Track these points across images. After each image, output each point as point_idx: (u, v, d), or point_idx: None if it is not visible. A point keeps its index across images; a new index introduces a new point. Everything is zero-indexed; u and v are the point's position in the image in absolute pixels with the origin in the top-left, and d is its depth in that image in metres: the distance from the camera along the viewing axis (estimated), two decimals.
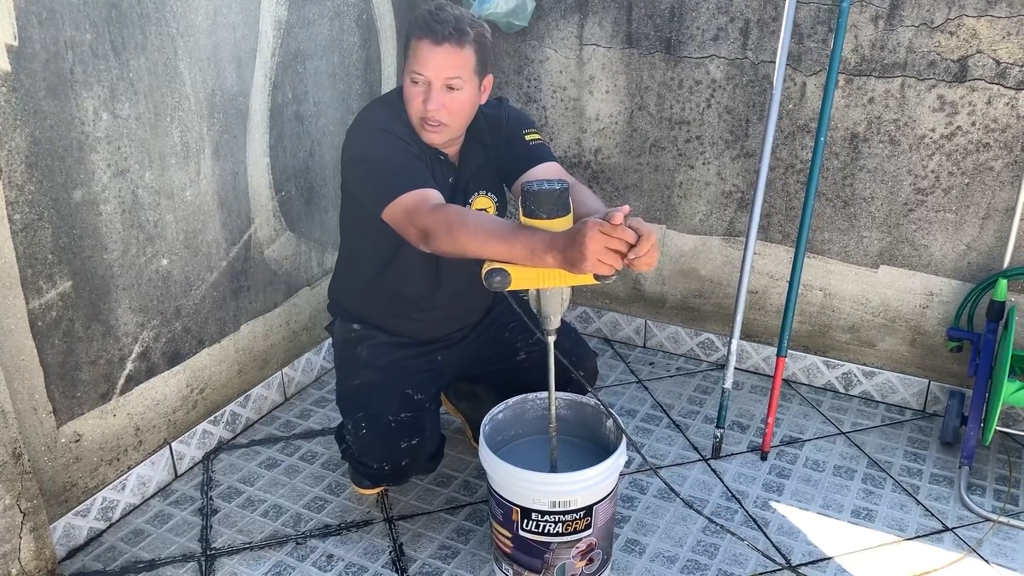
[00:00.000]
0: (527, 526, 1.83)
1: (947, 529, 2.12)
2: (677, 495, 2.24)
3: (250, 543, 2.10)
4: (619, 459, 1.84)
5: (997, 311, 2.28)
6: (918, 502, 2.21)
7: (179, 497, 2.26)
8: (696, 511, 2.18)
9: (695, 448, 2.44)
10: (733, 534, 2.10)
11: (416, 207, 1.73)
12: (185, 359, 2.30)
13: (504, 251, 1.57)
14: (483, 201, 2.05)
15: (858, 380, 2.65)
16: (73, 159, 1.89)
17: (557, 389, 1.85)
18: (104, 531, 2.13)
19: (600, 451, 2.01)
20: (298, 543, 2.10)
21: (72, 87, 1.85)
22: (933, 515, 2.16)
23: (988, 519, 2.14)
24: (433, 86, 1.83)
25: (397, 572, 2.01)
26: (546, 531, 1.83)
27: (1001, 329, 2.28)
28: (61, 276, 1.91)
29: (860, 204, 2.47)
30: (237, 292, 2.42)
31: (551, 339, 1.78)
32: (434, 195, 1.76)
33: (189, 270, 2.25)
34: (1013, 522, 2.12)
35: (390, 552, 2.07)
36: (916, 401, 2.59)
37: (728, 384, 2.37)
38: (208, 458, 2.41)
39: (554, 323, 1.74)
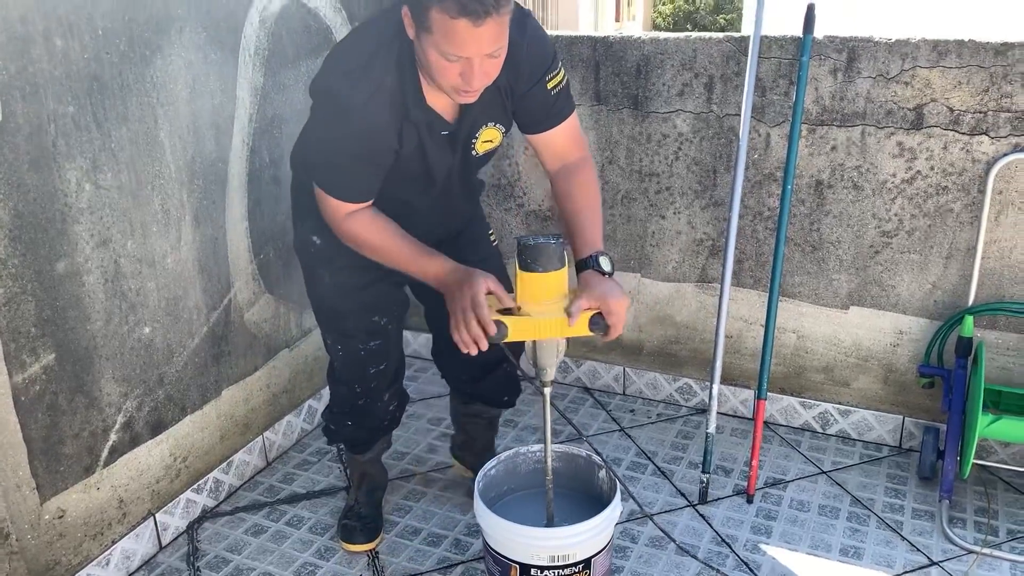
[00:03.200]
0: None
1: (933, 563, 2.16)
2: (672, 539, 2.25)
3: None
4: (615, 510, 1.86)
5: (965, 347, 2.36)
6: (903, 537, 2.25)
7: (165, 570, 2.21)
8: (691, 555, 2.19)
9: (682, 494, 2.46)
10: None
11: (335, 212, 1.79)
12: (168, 427, 2.27)
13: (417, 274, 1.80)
14: (490, 133, 1.88)
15: (835, 419, 2.71)
16: (56, 231, 1.88)
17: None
18: None
19: (593, 501, 2.02)
20: None
21: (55, 159, 1.86)
22: (919, 550, 2.21)
23: (972, 551, 2.19)
24: (474, 62, 1.57)
25: None
26: None
27: (971, 364, 2.35)
28: (44, 349, 1.89)
29: (828, 248, 2.55)
30: (218, 357, 2.41)
31: (547, 391, 1.81)
32: (359, 211, 1.79)
33: (171, 337, 2.23)
34: (996, 553, 2.17)
35: None
36: (892, 438, 2.65)
37: (712, 428, 2.40)
38: (192, 528, 2.36)
39: (550, 375, 1.78)
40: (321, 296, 2.07)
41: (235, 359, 2.48)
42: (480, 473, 1.96)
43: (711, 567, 2.17)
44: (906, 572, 2.13)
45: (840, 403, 2.69)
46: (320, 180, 1.79)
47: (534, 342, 1.72)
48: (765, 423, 2.80)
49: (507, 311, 1.66)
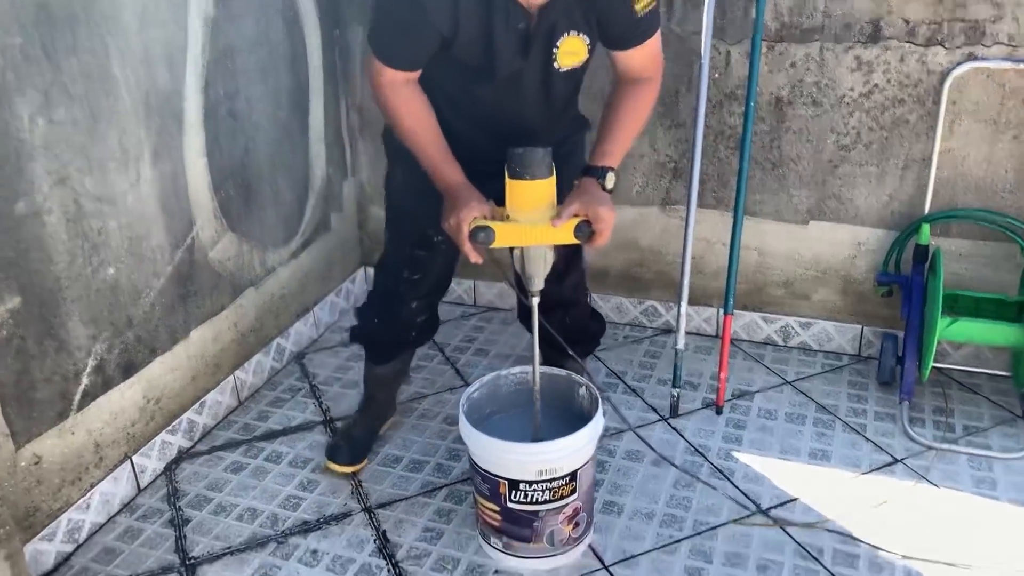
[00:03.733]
0: (515, 497, 1.87)
1: (897, 461, 2.27)
2: (652, 448, 2.31)
3: (230, 547, 2.07)
4: (598, 424, 1.90)
5: (922, 254, 2.44)
6: (867, 439, 2.36)
7: (146, 511, 2.20)
8: (668, 462, 2.26)
9: (654, 409, 2.53)
10: (706, 483, 2.19)
11: (376, 75, 1.80)
12: (139, 369, 2.23)
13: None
14: (573, 43, 1.79)
15: (796, 332, 2.79)
16: (13, 169, 1.81)
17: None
18: (72, 554, 2.06)
19: (575, 418, 2.06)
20: (279, 542, 2.08)
21: (5, 93, 1.77)
22: (882, 449, 2.31)
23: (931, 447, 2.30)
24: None
25: (385, 559, 2.01)
26: (534, 500, 1.87)
27: (927, 271, 2.44)
28: (9, 292, 1.83)
29: (788, 165, 2.60)
30: (185, 297, 2.37)
31: (535, 301, 1.83)
32: (400, 84, 1.80)
33: (136, 277, 2.18)
34: (954, 448, 2.28)
35: (374, 540, 2.07)
36: (851, 346, 2.75)
37: (680, 345, 2.46)
38: (170, 468, 2.35)
39: (537, 284, 1.81)
40: (391, 190, 2.15)
41: (201, 299, 2.44)
42: (463, 396, 1.98)
43: (687, 474, 2.24)
44: (872, 470, 2.24)
45: (800, 316, 2.77)
46: (369, 35, 1.82)
47: (521, 251, 1.74)
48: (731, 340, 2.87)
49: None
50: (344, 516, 2.16)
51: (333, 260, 3.09)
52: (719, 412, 2.49)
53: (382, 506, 2.19)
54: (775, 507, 2.12)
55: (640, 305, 2.95)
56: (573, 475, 1.88)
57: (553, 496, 1.87)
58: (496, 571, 1.97)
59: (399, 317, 2.20)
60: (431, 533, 2.09)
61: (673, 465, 2.27)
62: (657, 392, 2.61)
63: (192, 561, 2.03)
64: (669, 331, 2.94)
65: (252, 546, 2.07)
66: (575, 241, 1.69)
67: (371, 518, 2.15)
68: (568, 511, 1.91)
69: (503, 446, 1.83)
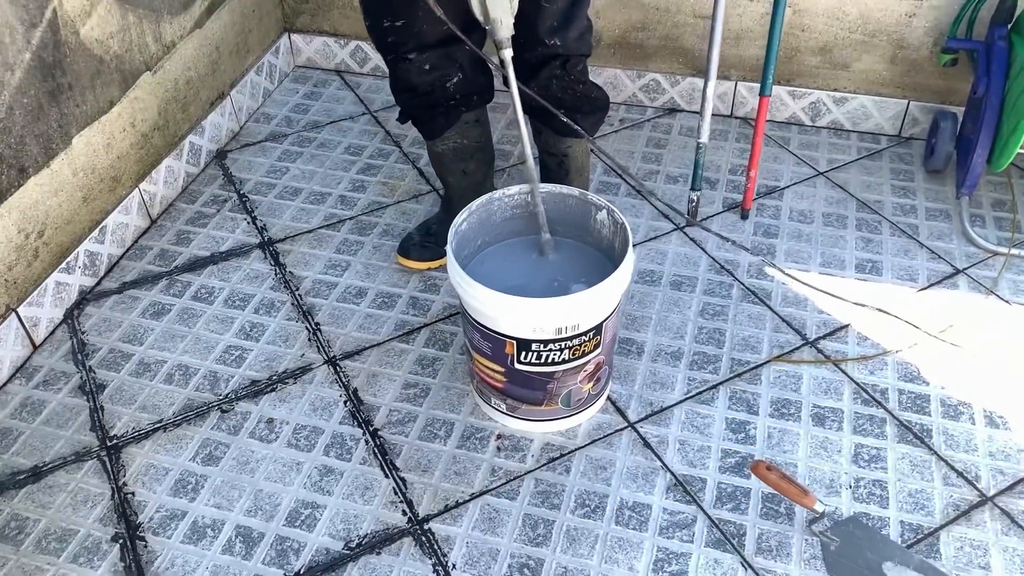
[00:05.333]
0: (526, 359, 1.47)
1: (958, 271, 1.91)
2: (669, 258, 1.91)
3: (160, 421, 1.65)
4: (629, 264, 1.46)
5: (1007, 13, 1.94)
6: (921, 244, 1.98)
7: (47, 375, 1.74)
8: (688, 289, 1.87)
9: (665, 216, 2.09)
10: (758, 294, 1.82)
11: None
12: (7, 197, 1.68)
13: None
14: None
15: (827, 109, 2.32)
16: None
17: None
18: None
19: (591, 248, 1.62)
20: (223, 410, 1.67)
21: None
22: (940, 257, 1.95)
23: (997, 253, 1.95)
24: None
25: (360, 426, 1.63)
26: (550, 360, 1.47)
27: (1011, 33, 1.95)
28: None
29: None
30: (55, 94, 1.76)
31: (506, 53, 1.46)
32: None
33: None
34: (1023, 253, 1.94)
35: (344, 403, 1.67)
36: (891, 126, 2.30)
37: (704, 138, 1.97)
38: (72, 316, 1.86)
39: (505, 28, 1.44)
40: None
41: (80, 94, 1.83)
42: (451, 230, 1.51)
43: (714, 300, 1.86)
44: (931, 284, 1.88)
45: (836, 90, 2.29)
46: None
47: None
48: (745, 120, 2.39)
49: None
50: (302, 372, 1.74)
51: (248, 26, 2.43)
52: (745, 216, 2.07)
53: (349, 356, 1.77)
54: (823, 337, 1.77)
55: (639, 79, 2.41)
56: (598, 328, 1.47)
57: (573, 355, 1.47)
58: (499, 435, 1.61)
59: (410, 76, 1.73)
60: (414, 390, 1.70)
61: (694, 292, 1.88)
62: (668, 193, 2.16)
63: (114, 442, 1.62)
64: (674, 111, 2.43)
65: (189, 418, 1.65)
66: None
67: (337, 373, 1.73)
68: (590, 368, 1.52)
69: (512, 301, 1.39)
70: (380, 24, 1.67)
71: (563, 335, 1.43)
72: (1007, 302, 1.83)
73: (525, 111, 1.62)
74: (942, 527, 1.45)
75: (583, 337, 1.45)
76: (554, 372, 1.49)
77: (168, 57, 2.10)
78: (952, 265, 1.93)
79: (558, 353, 1.46)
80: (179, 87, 2.15)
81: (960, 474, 1.52)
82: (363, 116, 2.47)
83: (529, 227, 1.63)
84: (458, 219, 1.53)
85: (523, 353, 1.46)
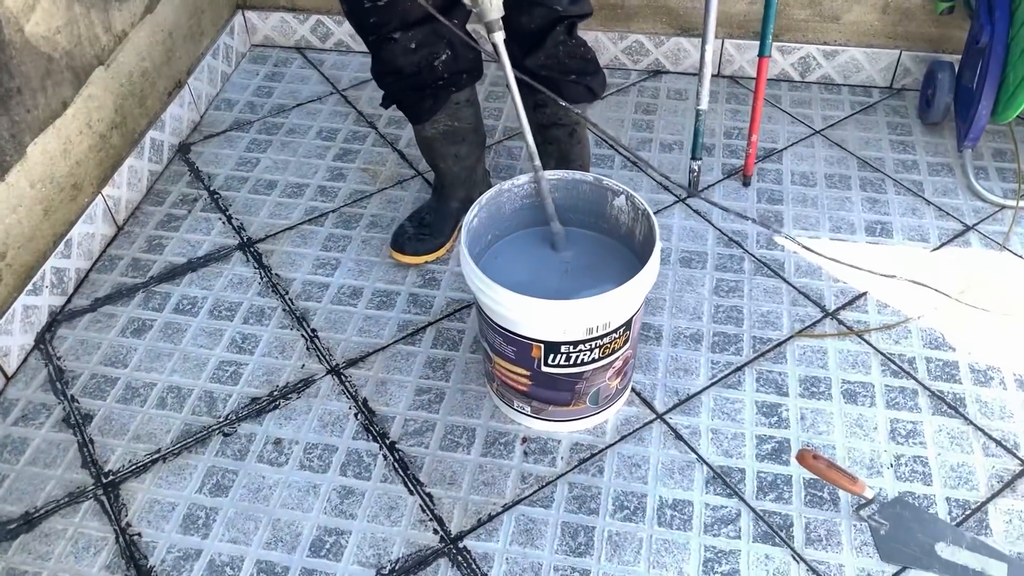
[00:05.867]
0: (554, 361, 1.38)
1: (968, 228, 1.87)
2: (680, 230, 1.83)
3: (159, 451, 1.53)
4: (657, 255, 1.37)
5: None
6: (928, 201, 1.94)
7: (26, 409, 1.61)
8: (698, 265, 1.80)
9: (665, 188, 2.01)
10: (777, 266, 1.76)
11: None
12: None
13: None
14: None
15: (817, 64, 2.24)
16: None
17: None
18: None
19: (609, 236, 1.53)
20: (226, 433, 1.55)
21: None
22: (948, 214, 1.91)
23: (1004, 206, 1.91)
24: None
25: (376, 440, 1.53)
26: (579, 361, 1.39)
27: None
28: None
29: None
30: (4, 100, 1.59)
31: (498, 37, 1.36)
32: None
33: None
34: None
35: (355, 415, 1.57)
36: (883, 77, 2.24)
37: (704, 104, 1.89)
38: (44, 341, 1.72)
39: (494, 10, 1.33)
40: None
41: (31, 97, 1.66)
42: (464, 226, 1.40)
43: (727, 276, 1.79)
44: (943, 243, 1.84)
45: (826, 43, 2.21)
46: None
47: None
48: (735, 79, 2.31)
49: None
50: (305, 384, 1.63)
51: (200, 6, 2.25)
52: (747, 183, 2.00)
53: (352, 363, 1.66)
54: (843, 308, 1.72)
55: (622, 41, 2.30)
56: (628, 323, 1.39)
57: (603, 354, 1.39)
58: (524, 439, 1.53)
59: (395, 57, 1.59)
60: (427, 396, 1.60)
61: (705, 268, 1.81)
62: (665, 163, 2.07)
63: (111, 478, 1.50)
64: (659, 72, 2.33)
65: (189, 444, 1.54)
66: None
67: (342, 383, 1.63)
68: (618, 364, 1.45)
69: (539, 305, 1.30)
70: (360, 5, 1.53)
71: (594, 335, 1.35)
72: (1021, 257, 1.80)
73: (534, 88, 1.52)
74: (989, 500, 1.42)
75: (613, 335, 1.37)
76: (583, 372, 1.41)
77: (120, 48, 1.92)
78: (961, 222, 1.89)
79: (588, 353, 1.38)
80: (134, 80, 1.98)
81: (999, 443, 1.49)
82: (331, 96, 2.32)
83: (540, 217, 1.53)
84: (469, 216, 1.42)
85: (551, 356, 1.37)
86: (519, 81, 1.44)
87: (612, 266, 1.49)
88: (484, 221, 1.48)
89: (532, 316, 1.31)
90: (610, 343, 1.38)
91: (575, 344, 1.36)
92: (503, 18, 1.40)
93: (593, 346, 1.37)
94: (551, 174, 1.49)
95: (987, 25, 1.87)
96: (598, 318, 1.32)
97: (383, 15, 1.54)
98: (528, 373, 1.42)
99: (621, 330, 1.38)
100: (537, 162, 1.44)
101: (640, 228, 1.45)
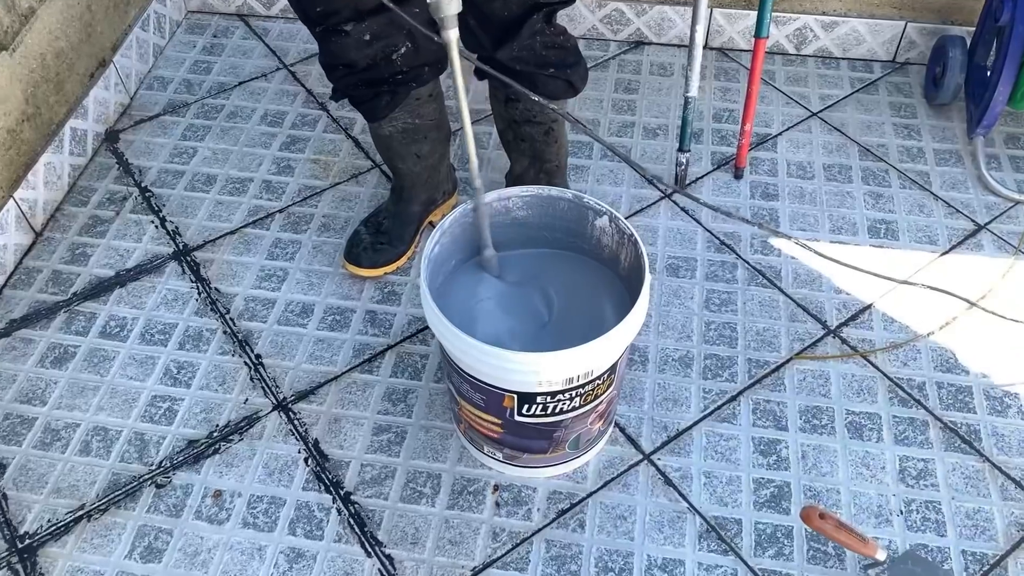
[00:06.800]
0: (529, 411, 1.21)
1: (981, 227, 1.71)
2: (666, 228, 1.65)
3: (82, 507, 1.35)
4: (646, 296, 1.19)
5: None
6: (936, 196, 1.77)
7: None
8: (686, 274, 1.62)
9: (650, 182, 1.82)
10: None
11: None
12: None
13: None
14: None
15: (814, 35, 2.04)
16: None
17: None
18: None
19: (588, 260, 1.35)
20: (159, 484, 1.38)
21: None
22: (958, 211, 1.74)
23: (1020, 202, 1.75)
24: None
25: (330, 492, 1.36)
26: (558, 411, 1.22)
27: None
28: None
29: None
30: None
31: (453, 35, 1.09)
32: None
33: None
34: None
35: (306, 461, 1.40)
36: (885, 51, 2.04)
37: (694, 90, 1.69)
38: None
39: (452, 5, 1.05)
40: None
41: None
42: (424, 259, 1.21)
43: (718, 286, 1.62)
44: (953, 246, 1.67)
45: (825, 13, 2.01)
46: None
47: None
48: (723, 52, 2.10)
49: None
50: (248, 423, 1.45)
51: None
52: (739, 176, 1.81)
53: (302, 397, 1.48)
54: (846, 323, 1.56)
55: (600, 10, 2.08)
56: (613, 367, 1.22)
57: (585, 401, 1.22)
58: (496, 487, 1.37)
59: (347, 51, 1.37)
60: (387, 436, 1.43)
61: (694, 278, 1.63)
62: (648, 151, 1.88)
63: (27, 542, 1.32)
64: (641, 43, 2.12)
65: (117, 498, 1.36)
66: None
67: (291, 421, 1.45)
68: (601, 408, 1.28)
69: (510, 359, 1.12)
70: None
71: (574, 384, 1.18)
72: None
73: (504, 78, 1.31)
74: (1008, 553, 1.28)
75: (596, 381, 1.20)
76: (562, 420, 1.24)
77: (28, 29, 1.68)
78: (972, 220, 1.72)
79: (568, 402, 1.21)
80: (47, 63, 1.74)
81: (1018, 484, 1.35)
82: (277, 72, 2.08)
83: (512, 237, 1.35)
84: (430, 243, 1.23)
85: (526, 406, 1.20)
86: (487, 74, 1.23)
87: (596, 292, 1.31)
88: (447, 247, 1.28)
89: (504, 369, 1.14)
90: (593, 390, 1.21)
91: (553, 394, 1.18)
92: (472, 4, 1.19)
93: (574, 395, 1.20)
94: (524, 190, 1.30)
95: (1009, 1, 1.67)
96: (580, 368, 1.15)
97: (331, 3, 1.31)
98: (499, 421, 1.25)
99: (605, 375, 1.21)
100: (479, 183, 1.23)
101: (626, 254, 1.27)
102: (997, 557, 1.28)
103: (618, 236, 1.27)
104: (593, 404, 1.25)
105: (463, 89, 1.16)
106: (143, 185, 1.83)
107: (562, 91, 1.49)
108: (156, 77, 2.07)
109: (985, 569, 1.27)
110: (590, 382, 1.19)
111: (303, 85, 2.04)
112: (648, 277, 1.19)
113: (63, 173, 1.80)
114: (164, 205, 1.79)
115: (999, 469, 1.37)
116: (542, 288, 1.32)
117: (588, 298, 1.31)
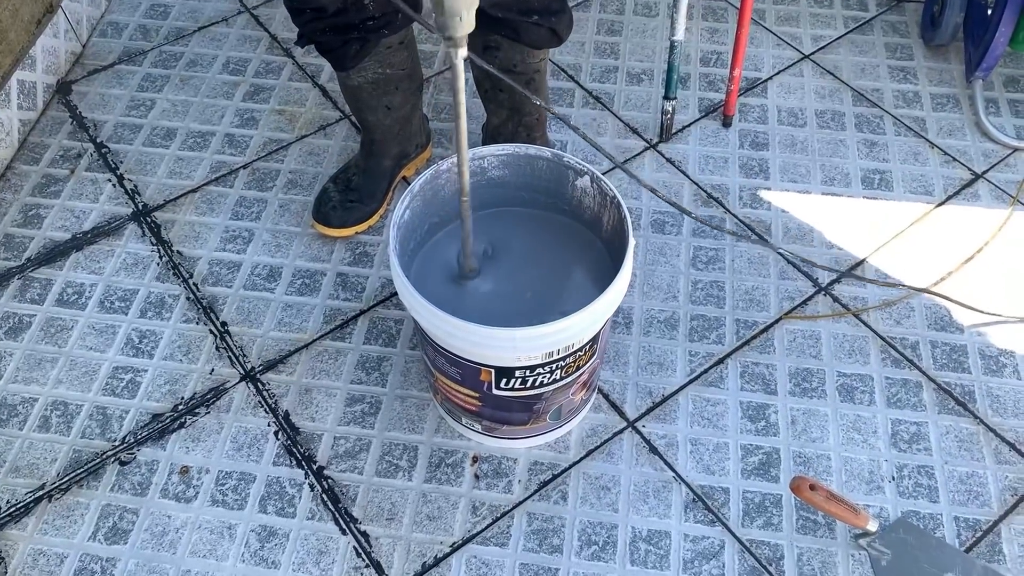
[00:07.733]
0: (507, 384, 1.15)
1: (978, 176, 1.64)
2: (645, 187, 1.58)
3: (43, 486, 1.29)
4: (630, 261, 1.12)
5: None
6: (931, 144, 1.69)
7: None
8: (669, 231, 1.55)
9: (634, 131, 1.73)
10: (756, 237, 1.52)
11: None
12: None
13: None
14: None
15: None
16: None
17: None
18: None
19: (568, 220, 1.28)
20: (123, 461, 1.32)
21: None
22: (954, 159, 1.67)
23: (1017, 148, 1.68)
24: None
25: (302, 467, 1.31)
26: (538, 384, 1.16)
27: None
28: None
29: None
30: None
31: (460, 55, 0.93)
32: None
33: None
34: None
35: (276, 434, 1.34)
36: None
37: (679, 34, 1.59)
38: None
39: (463, 25, 0.88)
40: None
41: None
42: (391, 226, 1.13)
43: (705, 243, 1.55)
44: (949, 197, 1.61)
45: None
46: None
47: None
48: None
49: None
50: (215, 395, 1.38)
51: None
52: (728, 124, 1.73)
53: (271, 366, 1.41)
54: (837, 280, 1.50)
55: None
56: (595, 338, 1.15)
57: (566, 373, 1.16)
58: (475, 458, 1.32)
59: None
60: (361, 407, 1.37)
61: (680, 236, 1.56)
62: (632, 98, 1.79)
63: None
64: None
65: (79, 476, 1.30)
66: None
67: (259, 392, 1.39)
68: (584, 377, 1.22)
69: (486, 334, 1.05)
70: None
71: (554, 358, 1.12)
72: None
73: (486, 29, 1.21)
74: (1001, 519, 1.25)
75: (578, 352, 1.14)
76: (543, 393, 1.19)
77: None
78: (969, 168, 1.65)
79: (548, 375, 1.15)
80: None
81: (1012, 446, 1.32)
82: (239, 16, 1.96)
83: (489, 196, 1.27)
84: (399, 209, 1.15)
85: (504, 380, 1.14)
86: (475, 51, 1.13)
87: (576, 257, 1.24)
88: (418, 212, 1.21)
89: (480, 345, 1.07)
90: (574, 361, 1.15)
91: (532, 368, 1.12)
92: None
93: (555, 367, 1.14)
94: (499, 148, 1.21)
95: None
96: (560, 342, 1.09)
97: None
98: (477, 395, 1.19)
99: (587, 346, 1.15)
100: (466, 197, 1.12)
101: (609, 217, 1.20)
102: (990, 523, 1.24)
103: (600, 197, 1.20)
104: (575, 375, 1.19)
105: (463, 111, 0.99)
106: (99, 140, 1.72)
107: (546, 40, 1.39)
108: (109, 23, 1.95)
109: (978, 535, 1.23)
110: (571, 354, 1.13)
111: (267, 30, 1.93)
112: (632, 243, 1.12)
113: (12, 129, 1.69)
114: (121, 162, 1.69)
115: (993, 432, 1.33)
116: (519, 253, 1.25)
117: (569, 264, 1.24)
